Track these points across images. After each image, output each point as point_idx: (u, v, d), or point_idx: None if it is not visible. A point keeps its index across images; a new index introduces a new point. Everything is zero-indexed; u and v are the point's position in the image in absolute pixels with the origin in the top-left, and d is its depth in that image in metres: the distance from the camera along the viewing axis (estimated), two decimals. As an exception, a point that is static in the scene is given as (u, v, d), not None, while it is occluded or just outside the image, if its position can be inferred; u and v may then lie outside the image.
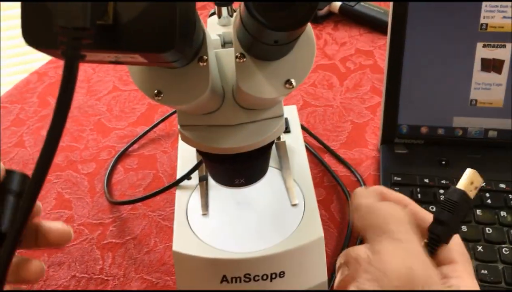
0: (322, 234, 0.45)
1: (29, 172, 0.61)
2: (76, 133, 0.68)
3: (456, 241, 0.30)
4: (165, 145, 0.65)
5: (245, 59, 0.31)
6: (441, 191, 0.52)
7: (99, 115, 0.71)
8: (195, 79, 0.31)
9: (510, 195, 0.51)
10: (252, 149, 0.37)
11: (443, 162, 0.56)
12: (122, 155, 0.64)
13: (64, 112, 0.20)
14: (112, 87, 0.75)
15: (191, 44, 0.26)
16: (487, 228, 0.48)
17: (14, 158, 0.65)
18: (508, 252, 0.46)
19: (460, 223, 0.29)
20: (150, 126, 0.67)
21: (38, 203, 0.34)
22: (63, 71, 0.19)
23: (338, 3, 0.86)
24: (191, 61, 0.30)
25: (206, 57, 0.30)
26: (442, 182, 0.53)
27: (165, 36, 0.21)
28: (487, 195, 0.51)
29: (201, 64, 0.31)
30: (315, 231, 0.45)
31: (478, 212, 0.50)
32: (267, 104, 0.36)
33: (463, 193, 0.30)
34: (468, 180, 0.30)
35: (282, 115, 0.37)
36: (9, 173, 0.32)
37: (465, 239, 0.48)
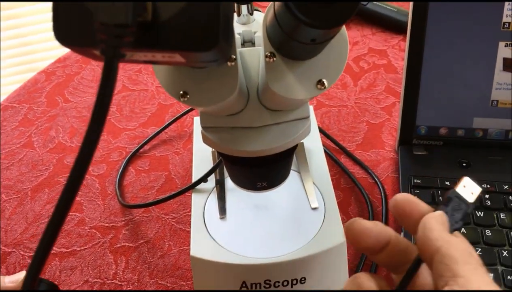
0: (344, 239, 0.44)
1: (39, 172, 0.60)
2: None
3: None
4: (177, 146, 0.64)
5: (275, 59, 0.29)
6: (463, 194, 0.51)
7: (109, 116, 0.69)
8: (223, 79, 0.29)
9: (510, 197, 0.50)
10: (277, 151, 0.35)
11: (464, 164, 0.55)
12: (133, 156, 0.63)
13: (103, 117, 0.18)
14: (121, 87, 0.74)
15: (231, 42, 0.24)
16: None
17: (23, 158, 0.63)
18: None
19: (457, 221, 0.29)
20: (162, 127, 0.65)
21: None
22: (103, 71, 0.18)
23: (350, 2, 0.85)
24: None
25: (234, 56, 0.29)
26: (463, 184, 0.51)
27: (209, 34, 0.20)
28: (510, 198, 0.50)
29: (229, 63, 0.29)
30: (337, 235, 0.44)
31: (502, 215, 0.48)
32: (295, 105, 0.35)
33: (454, 191, 0.29)
34: (462, 184, 0.30)
35: (308, 117, 0.36)
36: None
37: (489, 244, 0.46)
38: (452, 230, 0.28)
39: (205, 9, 0.20)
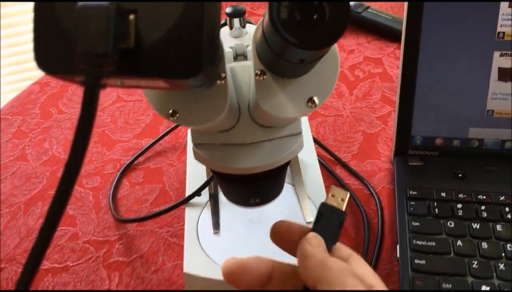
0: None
1: (32, 185, 0.60)
2: (80, 146, 0.66)
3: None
4: (171, 158, 0.63)
5: (265, 76, 0.29)
6: (459, 206, 0.50)
7: (103, 127, 0.69)
8: (212, 98, 0.29)
9: (507, 208, 0.49)
10: (269, 168, 0.35)
11: (460, 175, 0.54)
12: (128, 168, 0.62)
13: (83, 146, 0.18)
14: (116, 97, 0.74)
15: (217, 66, 0.24)
16: (508, 245, 0.47)
17: (16, 171, 0.63)
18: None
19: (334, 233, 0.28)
20: (156, 138, 0.65)
21: None
22: (82, 102, 0.17)
23: (345, 10, 0.84)
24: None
25: (224, 75, 0.29)
26: (459, 195, 0.51)
27: (192, 60, 0.19)
28: (507, 209, 0.49)
29: (218, 82, 0.29)
30: (332, 250, 0.43)
31: (498, 227, 0.48)
32: (286, 122, 0.34)
33: (323, 204, 0.29)
34: (329, 194, 0.30)
35: (300, 133, 0.35)
36: None
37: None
38: (330, 245, 0.28)
39: (189, 34, 0.19)
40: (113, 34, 0.17)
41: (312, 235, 0.28)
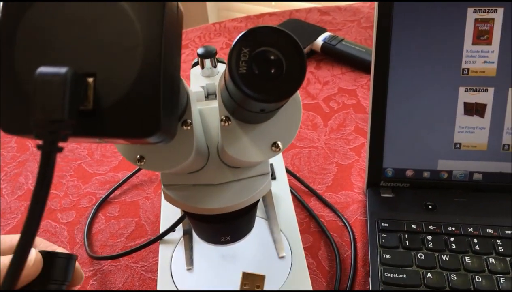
0: (311, 288, 0.44)
1: (7, 221, 0.59)
2: (56, 180, 0.66)
3: None
4: (147, 191, 0.64)
5: (230, 122, 0.30)
6: (429, 237, 0.51)
7: (80, 160, 0.69)
8: (179, 143, 0.30)
9: (498, 241, 0.51)
10: (238, 208, 0.36)
11: (430, 206, 0.55)
12: (103, 202, 0.62)
13: (40, 208, 0.18)
14: (93, 130, 0.74)
15: (176, 121, 0.25)
16: (476, 276, 0.48)
17: (-10, 207, 0.62)
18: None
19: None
20: (132, 171, 0.65)
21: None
22: (39, 165, 0.18)
23: (320, 42, 0.87)
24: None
25: (190, 121, 0.30)
26: (429, 227, 0.52)
27: (149, 121, 0.20)
28: (475, 241, 0.51)
29: (185, 128, 0.30)
30: (303, 285, 0.44)
31: (467, 259, 0.49)
32: (253, 164, 0.35)
33: None
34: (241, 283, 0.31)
35: (268, 173, 0.36)
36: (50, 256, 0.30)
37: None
38: None
39: (146, 95, 0.20)
40: (69, 100, 0.18)
41: None
